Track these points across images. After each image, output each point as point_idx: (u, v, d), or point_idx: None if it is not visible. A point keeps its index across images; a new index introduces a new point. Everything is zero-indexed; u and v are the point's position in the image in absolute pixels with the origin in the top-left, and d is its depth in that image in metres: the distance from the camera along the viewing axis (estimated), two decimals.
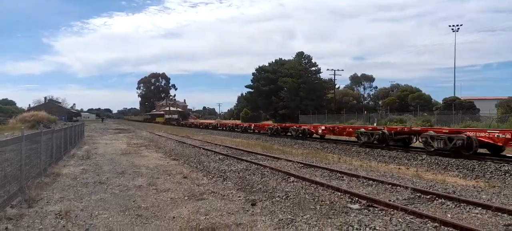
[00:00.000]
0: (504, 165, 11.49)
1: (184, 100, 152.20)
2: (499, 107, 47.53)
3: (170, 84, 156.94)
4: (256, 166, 12.48)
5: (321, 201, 7.25)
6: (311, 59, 69.21)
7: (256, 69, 75.98)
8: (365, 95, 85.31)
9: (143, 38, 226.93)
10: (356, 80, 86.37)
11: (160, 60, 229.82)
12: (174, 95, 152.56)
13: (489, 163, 12.08)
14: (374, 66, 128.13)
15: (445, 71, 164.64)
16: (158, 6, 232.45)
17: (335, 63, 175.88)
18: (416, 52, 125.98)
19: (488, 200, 7.27)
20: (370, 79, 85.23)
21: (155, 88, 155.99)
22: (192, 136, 31.23)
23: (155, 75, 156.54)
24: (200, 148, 19.73)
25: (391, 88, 76.91)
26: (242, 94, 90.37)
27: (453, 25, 61.50)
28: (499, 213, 6.24)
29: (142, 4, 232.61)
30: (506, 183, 9.88)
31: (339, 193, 7.91)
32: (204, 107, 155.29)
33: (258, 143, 24.10)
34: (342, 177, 10.25)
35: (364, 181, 9.43)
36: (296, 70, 65.85)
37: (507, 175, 10.66)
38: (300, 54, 69.99)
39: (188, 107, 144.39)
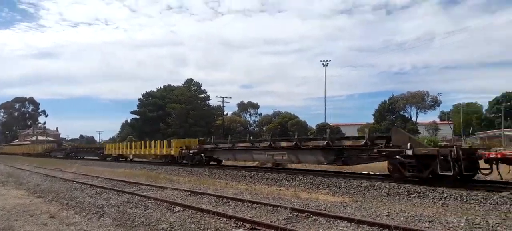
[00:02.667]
0: (363, 182, 13.37)
1: (57, 128, 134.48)
2: (359, 132, 55.72)
3: (39, 110, 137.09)
4: (139, 197, 11.72)
5: (207, 229, 7.20)
6: (200, 86, 69.88)
7: (143, 95, 72.81)
8: (251, 121, 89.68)
9: (9, 57, 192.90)
10: (243, 107, 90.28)
11: (28, 82, 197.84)
12: (44, 123, 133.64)
13: (353, 180, 13.88)
14: (260, 94, 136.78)
15: (318, 100, 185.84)
16: (31, 23, 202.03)
17: (225, 91, 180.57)
18: (296, 83, 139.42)
19: (352, 214, 8.30)
20: (255, 106, 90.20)
21: (20, 115, 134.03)
22: (64, 169, 27.64)
23: (20, 100, 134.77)
24: (74, 181, 17.57)
25: (273, 115, 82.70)
26: (126, 121, 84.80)
27: (324, 60, 70.19)
28: (361, 225, 7.18)
29: (10, 20, 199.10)
30: (366, 197, 11.50)
31: (224, 219, 7.98)
32: (81, 136, 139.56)
33: (143, 172, 22.78)
34: (229, 202, 10.40)
35: (249, 204, 9.75)
36: (185, 97, 65.43)
37: (366, 190, 12.42)
38: (189, 81, 70.00)
39: (62, 135, 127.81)
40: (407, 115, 58.03)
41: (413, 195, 11.19)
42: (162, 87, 73.86)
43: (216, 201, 10.64)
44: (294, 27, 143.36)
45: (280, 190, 13.33)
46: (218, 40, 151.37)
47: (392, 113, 58.03)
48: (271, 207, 9.18)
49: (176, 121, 63.58)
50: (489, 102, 74.36)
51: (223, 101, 68.19)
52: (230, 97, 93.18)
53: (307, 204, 9.62)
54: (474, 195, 10.35)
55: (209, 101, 70.19)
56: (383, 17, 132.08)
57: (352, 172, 16.86)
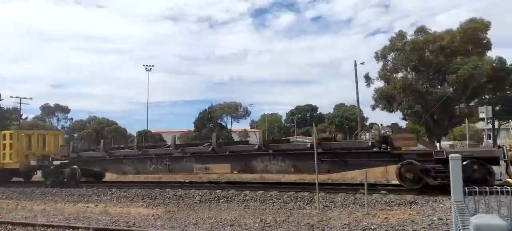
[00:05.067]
0: (179, 190, 13.60)
1: None
2: (180, 139, 56.95)
3: None
4: None
5: None
6: None
7: None
8: (60, 127, 77.91)
9: None
10: (49, 110, 77.52)
11: None
12: None
13: (168, 190, 13.91)
14: (75, 96, 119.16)
15: (142, 105, 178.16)
16: None
17: (30, 91, 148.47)
18: (117, 86, 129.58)
19: (161, 226, 8.27)
20: (65, 110, 79.00)
21: None
22: None
23: None
24: None
25: (88, 120, 74.59)
26: None
27: (147, 65, 68.21)
28: None
29: None
30: (180, 206, 11.72)
31: None
32: None
33: None
34: (14, 228, 8.61)
35: (42, 229, 8.35)
36: None
37: (180, 199, 12.67)
38: None
39: None
40: (223, 123, 63.34)
41: (222, 200, 12.15)
42: None
43: None
44: (117, 26, 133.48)
45: (88, 207, 12.03)
46: (23, 29, 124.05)
47: (210, 122, 61.99)
48: (71, 229, 8.14)
49: None
50: (287, 113, 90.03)
51: (20, 103, 56.76)
52: (30, 99, 78.28)
53: (116, 221, 9.02)
54: (270, 195, 12.10)
55: (0, 101, 56.86)
56: (207, 29, 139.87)
57: (170, 181, 16.95)
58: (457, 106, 31.44)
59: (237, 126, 69.13)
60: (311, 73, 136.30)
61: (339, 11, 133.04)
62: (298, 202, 11.26)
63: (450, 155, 2.92)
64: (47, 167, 17.17)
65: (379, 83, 34.22)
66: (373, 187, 12.37)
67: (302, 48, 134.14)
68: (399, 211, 9.73)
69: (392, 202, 10.68)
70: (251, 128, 79.19)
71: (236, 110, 63.23)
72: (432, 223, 7.72)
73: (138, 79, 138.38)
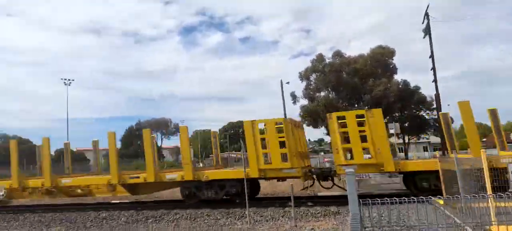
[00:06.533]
0: (101, 212, 12.90)
1: None
2: (104, 158, 53.62)
3: None
4: None
5: None
6: None
7: None
8: None
9: None
10: None
11: None
12: None
13: (90, 211, 13.11)
14: None
15: (63, 122, 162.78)
16: None
17: None
18: (34, 101, 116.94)
19: None
20: None
21: None
22: None
23: None
24: None
25: None
26: None
27: (66, 79, 63.13)
28: None
29: None
30: (103, 229, 11.14)
31: None
32: None
33: None
34: None
35: None
36: None
37: (104, 221, 12.04)
38: None
39: None
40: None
41: (150, 220, 11.83)
42: None
43: None
44: (30, 36, 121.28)
45: None
46: None
47: (139, 139, 59.45)
48: None
49: None
50: (219, 130, 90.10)
51: None
52: None
53: None
54: (200, 213, 12.12)
55: None
56: (132, 44, 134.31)
57: (91, 202, 15.98)
58: None
59: (167, 143, 67.13)
60: (241, 90, 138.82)
61: (266, 33, 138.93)
62: (230, 218, 11.45)
63: (347, 170, 3.44)
64: None
65: (304, 101, 36.34)
66: (300, 200, 13.10)
67: (232, 66, 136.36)
68: (324, 222, 10.46)
69: (318, 213, 11.40)
70: None
71: (166, 127, 61.49)
72: None
73: (56, 94, 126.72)
